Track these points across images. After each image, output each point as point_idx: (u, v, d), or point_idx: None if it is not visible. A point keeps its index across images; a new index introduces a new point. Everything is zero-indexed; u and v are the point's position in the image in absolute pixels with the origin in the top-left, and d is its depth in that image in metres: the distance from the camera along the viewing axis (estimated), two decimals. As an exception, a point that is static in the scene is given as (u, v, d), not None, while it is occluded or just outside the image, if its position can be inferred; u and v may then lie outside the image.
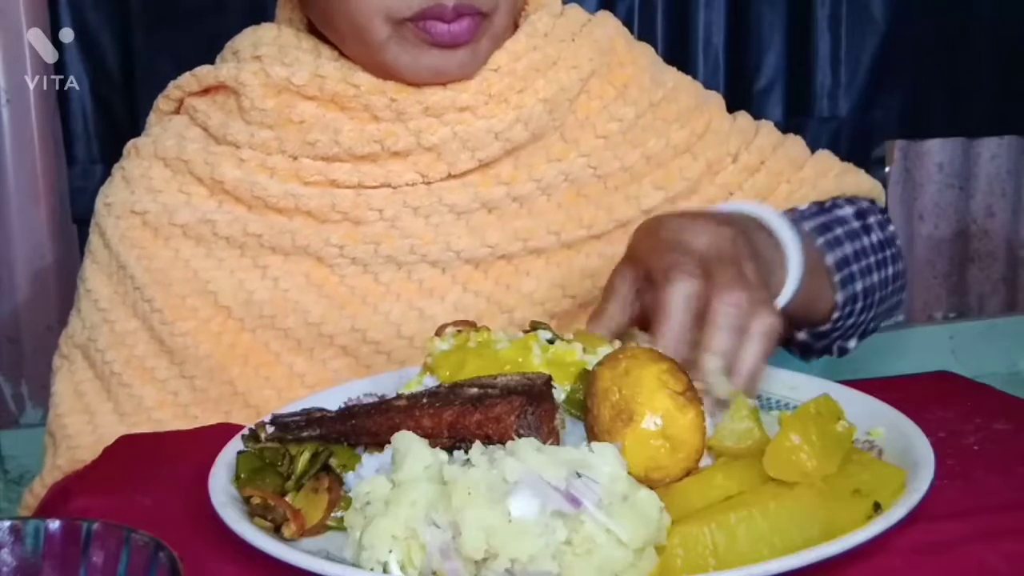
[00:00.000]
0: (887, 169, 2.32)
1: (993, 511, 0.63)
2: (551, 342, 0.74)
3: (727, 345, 0.72)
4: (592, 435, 0.65)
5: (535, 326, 0.76)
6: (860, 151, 2.19)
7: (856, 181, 1.07)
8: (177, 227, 0.95)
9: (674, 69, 1.07)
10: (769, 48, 2.16)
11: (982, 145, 2.42)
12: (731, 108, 1.08)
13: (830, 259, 0.95)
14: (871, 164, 2.22)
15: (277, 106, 0.94)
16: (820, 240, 0.96)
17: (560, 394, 0.68)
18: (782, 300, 0.84)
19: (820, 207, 1.01)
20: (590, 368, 0.69)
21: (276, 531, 0.63)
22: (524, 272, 0.94)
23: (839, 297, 0.95)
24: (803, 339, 1.00)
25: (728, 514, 0.58)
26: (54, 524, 0.51)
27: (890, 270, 1.01)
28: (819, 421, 0.64)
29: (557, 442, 0.64)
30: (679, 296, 0.73)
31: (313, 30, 0.98)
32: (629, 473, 0.59)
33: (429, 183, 0.94)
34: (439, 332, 0.77)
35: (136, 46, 1.88)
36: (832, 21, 2.16)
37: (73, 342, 0.98)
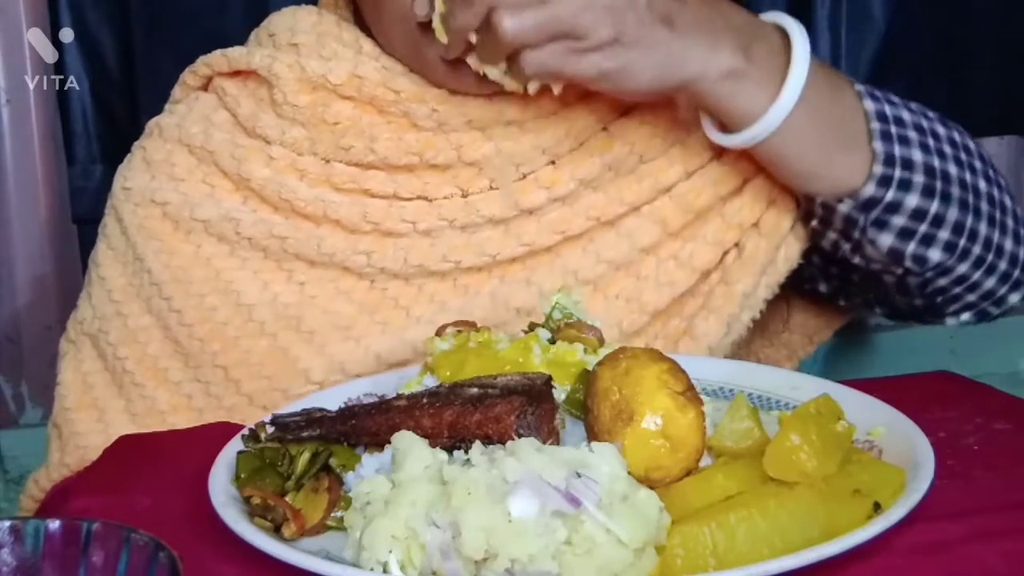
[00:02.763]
0: (887, 169, 2.32)
1: (993, 511, 0.63)
2: (552, 342, 0.74)
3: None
4: (592, 435, 0.65)
5: (533, 327, 0.76)
6: (860, 151, 2.19)
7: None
8: (199, 222, 0.91)
9: None
10: (769, 48, 2.16)
11: (982, 145, 2.42)
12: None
13: (869, 105, 0.86)
14: (871, 164, 2.23)
15: (311, 104, 0.90)
16: (861, 87, 0.88)
17: (560, 394, 0.68)
18: (786, 99, 0.81)
19: None
20: (590, 368, 0.69)
21: (276, 531, 0.63)
22: (555, 252, 0.90)
23: (879, 147, 0.84)
24: (846, 211, 0.86)
25: (728, 514, 0.58)
26: (54, 524, 0.51)
27: (982, 184, 0.89)
28: (819, 421, 0.64)
29: (557, 442, 0.64)
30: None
31: (357, 19, 0.94)
32: (629, 473, 0.60)
33: (467, 195, 0.90)
34: (439, 332, 0.77)
35: (136, 46, 1.87)
36: (832, 21, 2.16)
37: (82, 328, 0.95)
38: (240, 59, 0.94)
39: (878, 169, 0.85)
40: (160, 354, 0.91)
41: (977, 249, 0.90)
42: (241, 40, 1.01)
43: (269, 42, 0.95)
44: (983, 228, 0.90)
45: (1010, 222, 0.92)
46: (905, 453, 0.65)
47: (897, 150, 0.85)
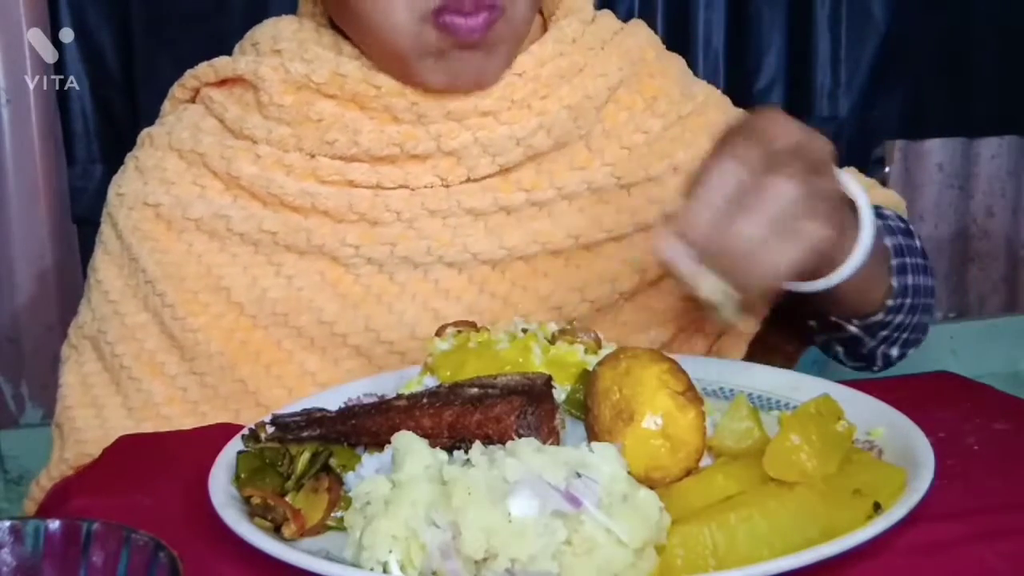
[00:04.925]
0: (887, 169, 2.31)
1: (993, 511, 0.63)
2: (551, 342, 0.74)
3: (758, 231, 0.67)
4: (592, 435, 0.65)
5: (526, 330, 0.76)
6: (860, 151, 2.19)
7: (884, 195, 1.05)
8: (191, 221, 0.94)
9: (704, 82, 1.05)
10: (769, 48, 2.16)
11: (982, 145, 2.42)
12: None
13: (888, 242, 0.90)
14: (871, 164, 2.22)
15: (296, 103, 0.93)
16: (879, 222, 0.89)
17: (560, 394, 0.68)
18: (851, 264, 0.78)
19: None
20: (590, 368, 0.69)
21: (276, 531, 0.63)
22: (542, 273, 0.93)
23: (895, 282, 0.90)
24: (854, 332, 0.93)
25: (728, 514, 0.58)
26: (54, 524, 0.51)
27: (930, 281, 0.97)
28: (819, 421, 0.64)
29: (557, 442, 0.64)
30: (719, 171, 0.68)
31: (335, 25, 0.97)
32: (629, 473, 0.60)
33: (448, 186, 0.93)
34: (440, 332, 0.77)
35: (136, 46, 1.88)
36: (832, 21, 2.16)
37: (83, 332, 0.97)
38: (226, 67, 0.97)
39: (890, 301, 0.91)
40: (157, 349, 0.93)
41: (921, 330, 1.00)
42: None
43: (252, 51, 0.98)
44: (928, 315, 0.99)
45: (932, 298, 1.00)
46: (905, 453, 0.65)
47: (903, 282, 0.92)
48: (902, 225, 0.97)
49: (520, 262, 0.93)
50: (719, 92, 1.06)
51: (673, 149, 0.98)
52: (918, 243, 0.97)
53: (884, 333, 0.95)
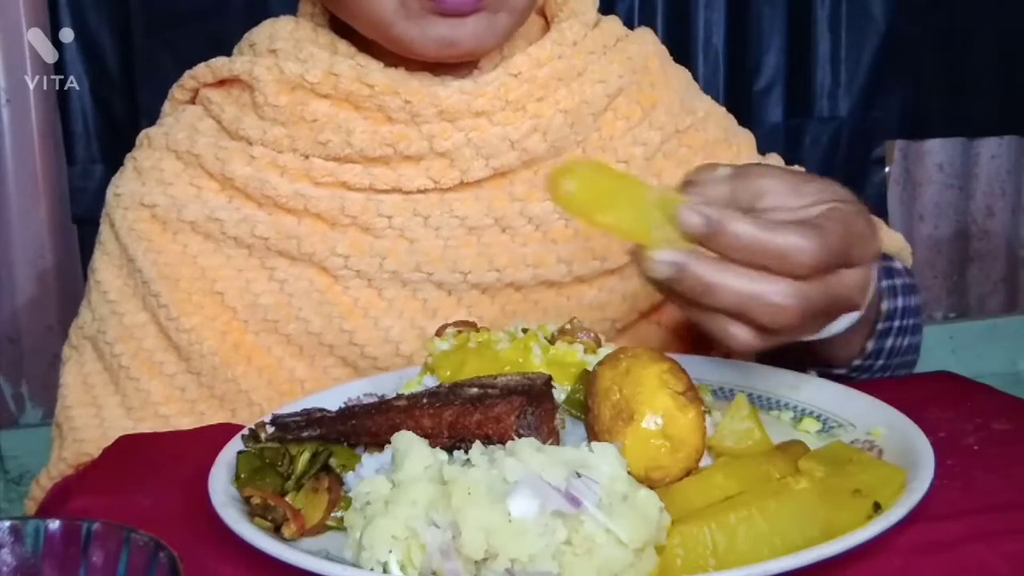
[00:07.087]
0: (887, 169, 2.31)
1: (993, 511, 0.63)
2: (551, 342, 0.74)
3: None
4: (592, 435, 0.65)
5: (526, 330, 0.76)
6: (860, 151, 2.19)
7: (888, 236, 1.00)
8: (186, 223, 0.94)
9: (708, 98, 1.04)
10: (769, 48, 2.16)
11: (982, 145, 2.42)
12: (731, 109, 1.07)
13: (885, 305, 0.87)
14: (871, 164, 2.22)
15: (290, 103, 0.93)
16: (884, 283, 0.88)
17: (560, 394, 0.68)
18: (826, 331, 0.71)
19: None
20: (590, 368, 0.69)
21: (276, 531, 0.63)
22: (532, 301, 0.93)
23: (870, 345, 0.87)
24: (842, 373, 0.90)
25: (728, 514, 0.58)
26: (54, 524, 0.51)
27: (917, 339, 0.94)
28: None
29: (557, 442, 0.65)
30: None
31: (333, 26, 0.97)
32: (629, 473, 0.60)
33: (442, 190, 0.92)
34: (439, 332, 0.77)
35: (136, 46, 1.88)
36: (832, 21, 2.17)
37: (83, 333, 0.97)
38: (222, 68, 0.97)
39: (857, 361, 0.88)
40: (155, 348, 0.93)
41: (908, 366, 0.96)
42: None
43: (250, 51, 0.98)
44: (907, 369, 0.95)
45: (915, 355, 0.96)
46: (905, 453, 0.65)
47: (881, 344, 0.88)
48: (908, 282, 0.92)
49: (510, 288, 0.92)
50: (723, 110, 1.04)
51: (666, 166, 0.97)
52: (914, 301, 0.93)
53: (863, 377, 0.91)
